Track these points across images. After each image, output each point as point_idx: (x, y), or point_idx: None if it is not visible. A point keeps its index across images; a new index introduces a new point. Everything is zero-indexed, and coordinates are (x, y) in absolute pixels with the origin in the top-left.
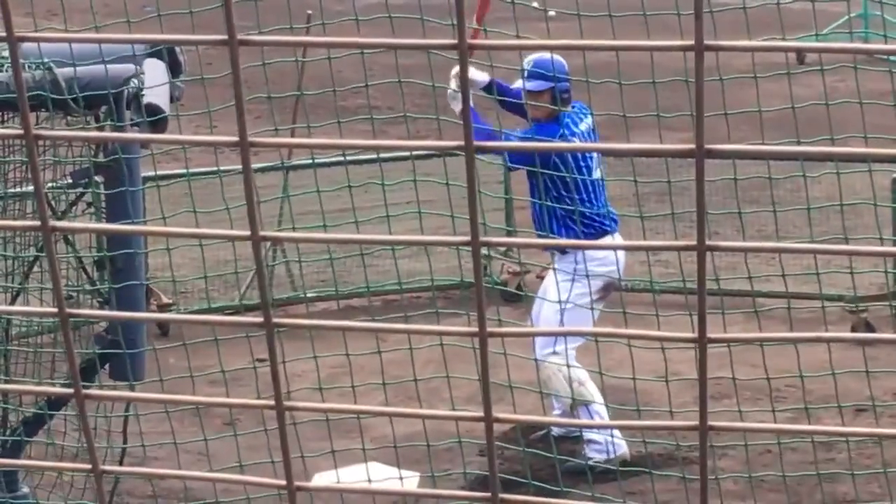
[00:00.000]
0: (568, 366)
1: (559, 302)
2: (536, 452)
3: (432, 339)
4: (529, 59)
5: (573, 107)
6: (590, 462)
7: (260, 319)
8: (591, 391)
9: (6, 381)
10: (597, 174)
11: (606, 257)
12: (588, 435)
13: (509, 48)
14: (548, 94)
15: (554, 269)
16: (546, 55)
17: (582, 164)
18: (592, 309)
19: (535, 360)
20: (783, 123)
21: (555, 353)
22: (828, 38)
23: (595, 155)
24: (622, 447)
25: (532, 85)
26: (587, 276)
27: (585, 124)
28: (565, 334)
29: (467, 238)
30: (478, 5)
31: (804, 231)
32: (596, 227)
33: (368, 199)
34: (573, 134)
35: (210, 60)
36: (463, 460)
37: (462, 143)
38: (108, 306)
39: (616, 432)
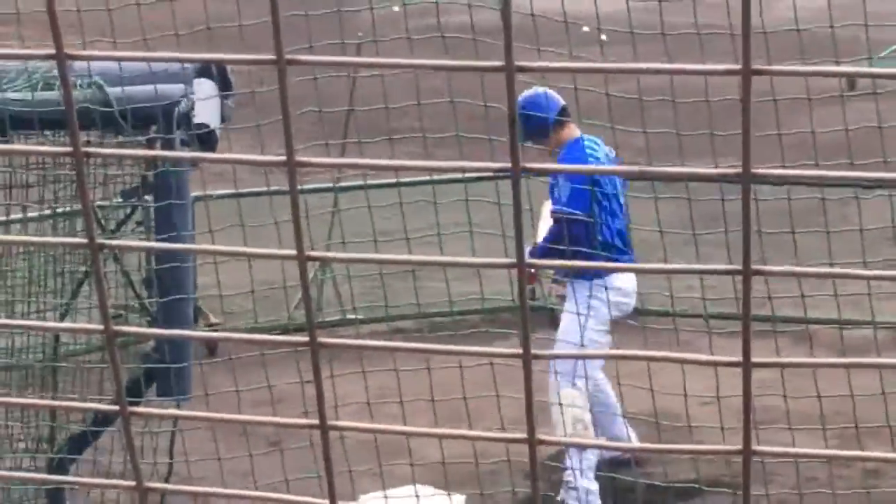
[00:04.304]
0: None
1: (579, 332)
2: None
3: (479, 361)
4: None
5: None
6: None
7: (305, 339)
8: (590, 436)
9: (54, 398)
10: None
11: (624, 287)
12: (570, 480)
13: (558, 70)
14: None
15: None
16: (534, 92)
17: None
18: (601, 342)
19: (558, 380)
20: (834, 149)
21: (573, 385)
22: (880, 63)
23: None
24: (598, 502)
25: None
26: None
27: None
28: (609, 357)
29: (512, 261)
30: None
31: (855, 257)
32: (621, 260)
33: (419, 222)
34: (593, 156)
35: (261, 80)
36: (511, 481)
37: (509, 164)
38: (155, 325)
39: (596, 484)
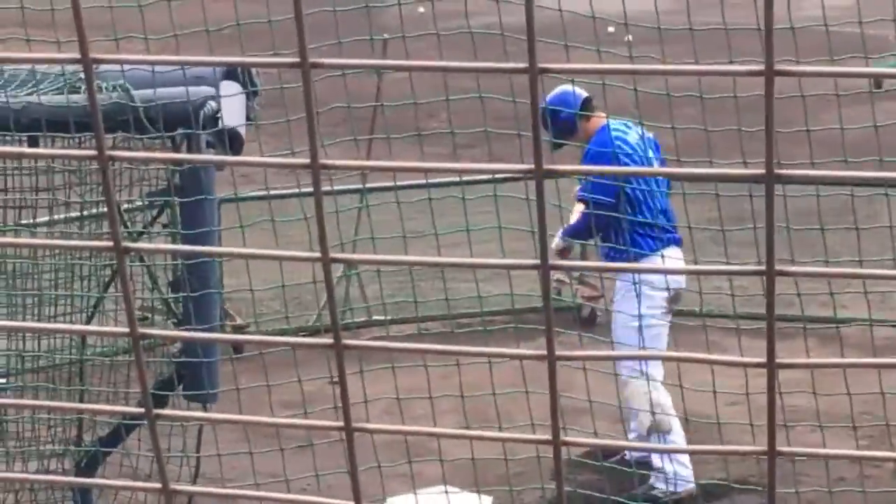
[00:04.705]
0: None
1: (637, 318)
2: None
3: (507, 361)
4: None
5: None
6: (654, 492)
7: (330, 341)
8: (671, 420)
9: (81, 400)
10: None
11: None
12: (657, 463)
13: (583, 72)
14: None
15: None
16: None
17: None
18: (656, 324)
19: (618, 375)
20: (862, 147)
21: (641, 373)
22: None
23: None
24: (690, 483)
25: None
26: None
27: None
28: (637, 358)
29: (536, 262)
30: None
31: (884, 254)
32: (664, 237)
33: (447, 222)
34: (620, 140)
35: (288, 81)
36: (542, 482)
37: (532, 166)
38: (181, 326)
39: (687, 466)
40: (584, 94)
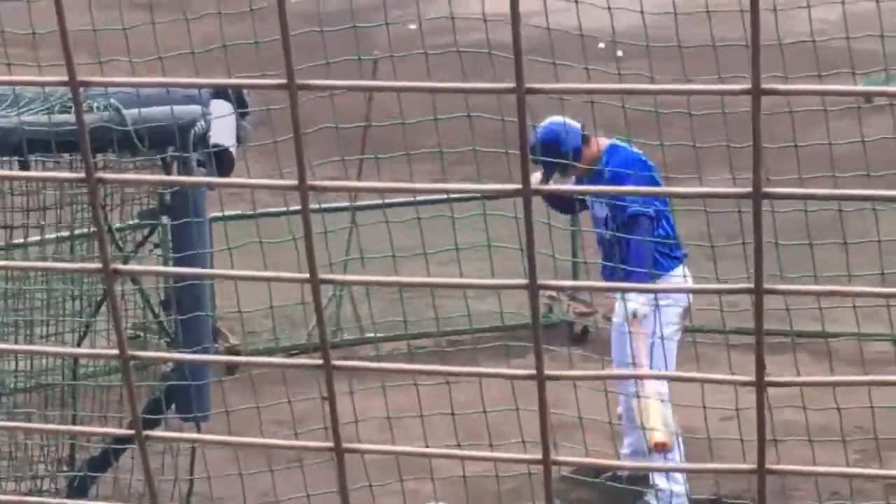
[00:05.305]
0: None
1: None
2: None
3: (497, 379)
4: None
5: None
6: None
7: (319, 361)
8: (677, 441)
9: (74, 420)
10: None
11: (679, 280)
12: (655, 480)
13: (572, 92)
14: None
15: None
16: (554, 121)
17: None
18: (670, 341)
19: (609, 390)
20: (851, 162)
21: (658, 392)
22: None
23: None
24: (684, 502)
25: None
26: (658, 304)
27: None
28: (629, 377)
29: (524, 281)
30: None
31: (874, 268)
32: (678, 255)
33: (437, 239)
34: (641, 156)
35: (275, 100)
36: (533, 500)
37: (520, 186)
38: (174, 345)
39: (682, 484)
40: (574, 123)
